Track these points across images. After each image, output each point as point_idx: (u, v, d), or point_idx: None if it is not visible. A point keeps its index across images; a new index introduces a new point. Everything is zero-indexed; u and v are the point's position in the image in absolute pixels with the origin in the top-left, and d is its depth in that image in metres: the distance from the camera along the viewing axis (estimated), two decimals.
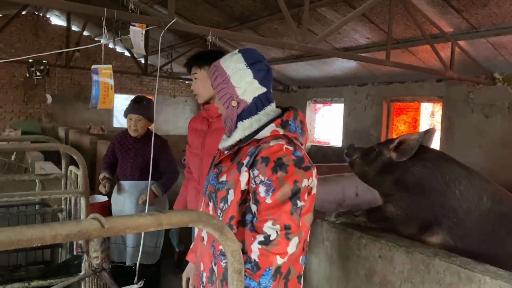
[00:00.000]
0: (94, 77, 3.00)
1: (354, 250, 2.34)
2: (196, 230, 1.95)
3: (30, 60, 9.73)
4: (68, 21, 8.53)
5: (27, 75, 10.47)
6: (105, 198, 3.89)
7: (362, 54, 6.46)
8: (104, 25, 2.99)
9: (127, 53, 11.99)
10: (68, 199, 2.66)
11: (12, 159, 5.39)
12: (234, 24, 7.58)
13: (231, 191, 1.52)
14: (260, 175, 1.44)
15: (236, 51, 1.64)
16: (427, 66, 6.42)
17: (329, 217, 2.49)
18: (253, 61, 1.59)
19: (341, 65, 8.14)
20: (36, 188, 3.37)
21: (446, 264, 1.89)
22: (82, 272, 2.13)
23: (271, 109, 1.62)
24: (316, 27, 6.53)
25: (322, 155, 8.83)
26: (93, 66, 3.00)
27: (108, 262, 3.68)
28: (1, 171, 5.61)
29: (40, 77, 10.43)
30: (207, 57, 2.29)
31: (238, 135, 1.59)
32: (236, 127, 1.61)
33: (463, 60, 5.88)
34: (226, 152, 1.64)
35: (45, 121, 11.72)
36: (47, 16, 11.78)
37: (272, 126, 1.54)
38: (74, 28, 11.19)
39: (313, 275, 2.69)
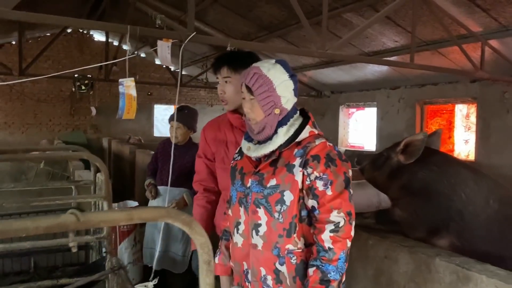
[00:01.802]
0: (121, 90, 3.20)
1: (363, 251, 2.40)
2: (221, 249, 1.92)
3: (76, 75, 10.35)
4: (107, 37, 8.99)
5: (73, 89, 11.14)
6: (136, 203, 4.12)
7: (391, 58, 6.43)
8: (127, 41, 3.21)
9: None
10: (96, 203, 2.88)
11: (41, 166, 5.80)
12: (264, 33, 7.74)
13: (287, 193, 1.64)
14: (314, 172, 1.61)
15: (273, 61, 1.72)
16: (458, 67, 6.30)
17: None
18: (291, 73, 1.71)
19: (372, 69, 8.10)
20: (73, 194, 3.61)
21: (446, 263, 1.92)
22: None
23: (297, 115, 1.77)
24: (342, 32, 6.57)
25: (356, 161, 8.76)
26: (120, 80, 3.20)
27: (138, 264, 3.89)
28: (46, 179, 6.02)
29: (84, 91, 11.07)
30: (243, 59, 2.10)
31: (279, 140, 1.69)
32: (275, 133, 1.70)
33: (496, 59, 5.74)
34: (265, 159, 1.71)
35: (90, 133, 12.33)
36: (91, 33, 12.43)
37: (308, 128, 1.70)
38: (116, 43, 11.74)
39: None
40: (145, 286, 2.19)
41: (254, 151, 1.74)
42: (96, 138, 11.94)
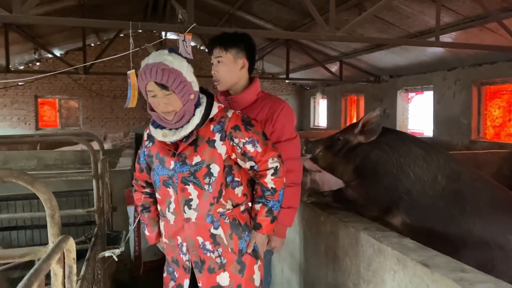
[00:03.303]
0: (128, 81, 3.56)
1: (318, 227, 2.48)
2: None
3: None
4: (165, 34, 9.60)
5: None
6: None
7: (431, 39, 6.11)
8: (130, 35, 3.54)
9: None
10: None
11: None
12: (308, 20, 7.73)
13: (213, 165, 1.79)
14: (241, 140, 1.81)
15: (167, 52, 1.77)
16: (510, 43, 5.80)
17: (302, 197, 2.62)
18: (185, 57, 1.82)
19: (426, 51, 7.71)
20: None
21: (367, 237, 1.97)
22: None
23: (199, 92, 1.86)
24: (388, 16, 6.40)
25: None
26: (127, 72, 3.55)
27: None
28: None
29: None
30: (235, 39, 2.16)
31: (196, 120, 1.79)
32: (193, 115, 1.79)
33: None
34: (184, 140, 1.80)
35: None
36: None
37: (216, 104, 1.85)
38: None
39: (290, 248, 2.86)
40: (113, 252, 2.50)
41: (174, 136, 1.80)
42: None
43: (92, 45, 12.18)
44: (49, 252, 1.10)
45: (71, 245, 1.27)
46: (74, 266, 1.29)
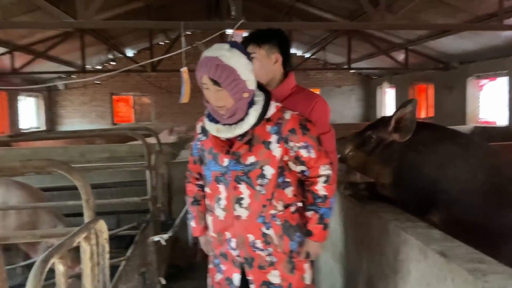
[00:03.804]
0: (182, 78, 3.78)
1: (355, 218, 2.50)
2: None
3: None
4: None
5: None
6: None
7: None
8: (182, 35, 3.75)
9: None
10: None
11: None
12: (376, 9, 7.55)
13: (267, 167, 1.79)
14: (296, 144, 1.80)
15: (228, 45, 1.72)
16: None
17: (339, 188, 2.55)
18: (247, 53, 1.75)
19: (500, 34, 7.20)
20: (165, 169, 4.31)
21: (395, 227, 1.98)
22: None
23: (257, 90, 1.82)
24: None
25: (486, 138, 7.95)
26: (180, 69, 3.77)
27: None
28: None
29: None
30: (267, 35, 2.19)
31: (251, 119, 1.76)
32: (247, 114, 1.77)
33: None
34: (239, 138, 1.78)
35: None
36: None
37: (273, 103, 1.82)
38: None
39: (333, 238, 2.90)
40: (161, 237, 2.71)
41: (227, 132, 1.78)
42: None
43: (162, 43, 12.79)
44: (75, 231, 1.27)
45: (102, 226, 1.45)
46: (106, 245, 1.47)
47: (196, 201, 2.06)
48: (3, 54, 8.03)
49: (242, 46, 1.77)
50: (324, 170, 1.86)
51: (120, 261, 2.15)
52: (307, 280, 1.95)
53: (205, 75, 1.68)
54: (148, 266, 2.70)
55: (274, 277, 1.88)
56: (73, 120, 12.99)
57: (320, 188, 1.86)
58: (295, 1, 8.50)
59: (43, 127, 12.39)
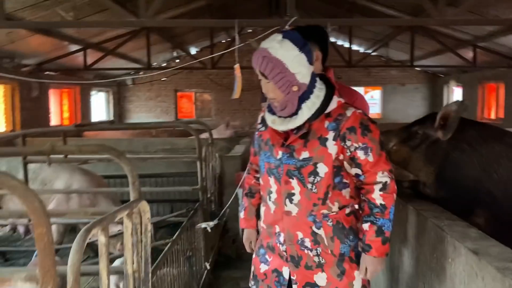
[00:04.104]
0: (235, 74, 3.93)
1: (398, 215, 2.49)
2: (241, 201, 2.15)
3: None
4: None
5: None
6: None
7: None
8: (236, 33, 3.87)
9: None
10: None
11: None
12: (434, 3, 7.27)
13: (321, 165, 1.71)
14: (353, 143, 1.69)
15: (280, 36, 1.68)
16: None
17: None
18: (302, 44, 1.68)
19: None
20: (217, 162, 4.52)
21: (432, 225, 1.98)
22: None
23: (319, 83, 1.77)
24: None
25: None
26: (234, 66, 3.92)
27: None
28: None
29: None
30: (307, 33, 2.07)
31: (305, 115, 1.71)
32: (299, 108, 1.72)
33: None
34: (295, 132, 1.74)
35: None
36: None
37: (335, 98, 1.75)
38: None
39: None
40: (207, 224, 2.86)
41: (280, 125, 1.76)
42: None
43: (223, 41, 13.10)
44: (119, 208, 1.41)
45: (145, 206, 1.58)
46: (149, 224, 1.60)
47: (251, 193, 2.05)
48: (77, 51, 8.67)
49: (298, 37, 1.70)
50: (382, 176, 1.71)
51: (166, 244, 2.31)
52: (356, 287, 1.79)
53: (256, 67, 1.69)
54: (194, 251, 2.86)
55: (320, 279, 1.78)
56: (139, 115, 13.69)
57: (377, 196, 1.70)
58: None
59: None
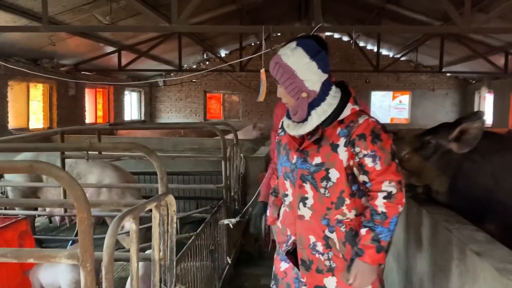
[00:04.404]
0: (260, 78, 4.07)
1: (412, 218, 2.58)
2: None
3: None
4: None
5: None
6: None
7: None
8: (263, 39, 4.02)
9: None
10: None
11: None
12: (462, 10, 7.21)
13: (332, 170, 1.74)
14: (362, 150, 1.70)
15: (294, 44, 1.76)
16: None
17: None
18: (315, 52, 1.74)
19: None
20: (241, 162, 4.67)
21: (442, 228, 2.07)
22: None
23: (334, 91, 1.80)
24: None
25: None
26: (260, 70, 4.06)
27: None
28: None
29: None
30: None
31: (315, 121, 1.75)
32: (309, 114, 1.77)
33: None
34: (308, 137, 1.78)
35: None
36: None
37: (349, 105, 1.76)
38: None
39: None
40: (230, 221, 3.01)
41: (293, 130, 1.83)
42: None
43: (252, 44, 13.29)
44: (148, 200, 1.57)
45: (171, 200, 1.73)
46: (175, 216, 1.75)
47: (274, 193, 2.12)
48: (112, 52, 9.02)
49: (312, 45, 1.76)
50: (388, 186, 1.69)
51: (191, 237, 2.47)
52: None
53: (271, 72, 1.80)
54: (217, 246, 3.02)
55: (330, 282, 1.80)
56: (170, 115, 14.04)
57: (380, 204, 1.70)
58: (385, 2, 8.37)
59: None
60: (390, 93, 13.93)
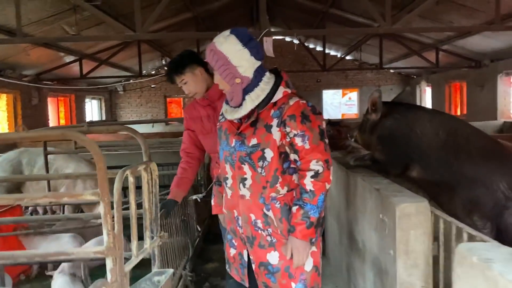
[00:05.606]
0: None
1: (345, 181, 3.24)
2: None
3: None
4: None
5: None
6: None
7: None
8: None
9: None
10: None
11: None
12: (396, 11, 8.07)
13: (267, 150, 1.84)
14: (292, 130, 1.81)
15: (228, 32, 1.83)
16: None
17: (350, 161, 3.20)
18: (247, 40, 1.81)
19: None
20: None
21: (360, 180, 2.70)
22: None
23: (267, 77, 1.90)
24: (470, 2, 6.57)
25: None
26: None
27: None
28: None
29: None
30: (181, 62, 2.49)
31: (249, 106, 1.85)
32: (243, 99, 1.86)
33: None
34: (245, 120, 1.88)
35: None
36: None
37: (281, 89, 1.86)
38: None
39: (336, 205, 3.64)
40: (198, 196, 3.58)
41: (230, 114, 1.92)
42: None
43: None
44: (139, 163, 2.13)
45: (154, 167, 2.27)
46: (157, 180, 2.30)
47: (218, 182, 2.24)
48: (73, 61, 9.35)
49: (244, 33, 1.85)
50: (316, 165, 1.80)
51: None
52: (307, 267, 1.90)
53: (207, 60, 1.88)
54: (188, 217, 3.59)
55: (273, 257, 1.90)
56: (131, 120, 14.35)
57: (308, 182, 1.80)
58: (329, 6, 9.19)
59: None
60: (340, 91, 14.89)
